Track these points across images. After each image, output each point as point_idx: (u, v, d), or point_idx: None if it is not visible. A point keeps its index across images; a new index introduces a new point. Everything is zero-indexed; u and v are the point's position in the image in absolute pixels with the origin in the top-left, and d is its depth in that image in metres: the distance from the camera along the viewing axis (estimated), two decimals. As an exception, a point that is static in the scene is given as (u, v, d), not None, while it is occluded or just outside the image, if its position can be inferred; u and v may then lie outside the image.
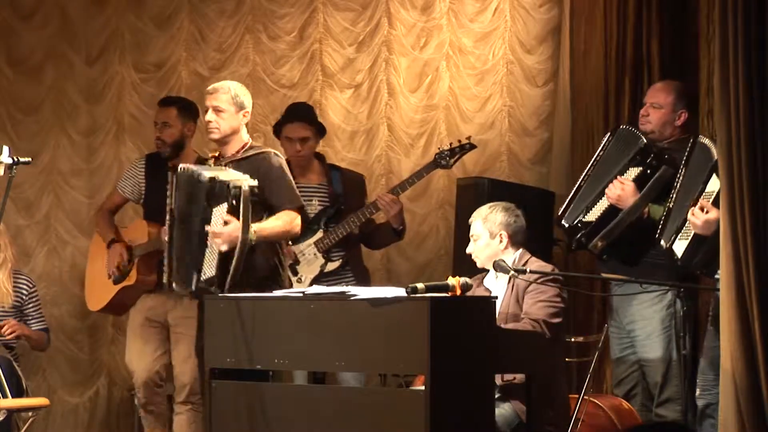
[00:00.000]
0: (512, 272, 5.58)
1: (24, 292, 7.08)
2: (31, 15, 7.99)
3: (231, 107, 5.94)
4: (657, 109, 6.21)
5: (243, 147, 6.00)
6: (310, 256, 6.72)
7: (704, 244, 5.49)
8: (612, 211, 5.96)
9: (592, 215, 6.03)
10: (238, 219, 5.62)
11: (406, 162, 7.75)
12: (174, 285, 5.87)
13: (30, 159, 5.60)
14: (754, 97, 4.89)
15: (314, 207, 6.80)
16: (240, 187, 5.63)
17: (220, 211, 5.69)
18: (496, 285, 5.74)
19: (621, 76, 6.99)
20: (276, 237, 5.90)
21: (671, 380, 6.03)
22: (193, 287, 5.75)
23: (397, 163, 7.75)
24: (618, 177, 5.97)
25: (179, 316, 6.85)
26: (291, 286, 6.52)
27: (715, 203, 5.38)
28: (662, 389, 6.09)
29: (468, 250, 5.81)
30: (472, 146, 6.78)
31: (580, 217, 6.05)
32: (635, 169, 5.96)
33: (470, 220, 5.83)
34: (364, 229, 6.83)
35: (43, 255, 7.93)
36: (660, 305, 6.10)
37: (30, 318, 7.09)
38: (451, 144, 6.82)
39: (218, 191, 5.70)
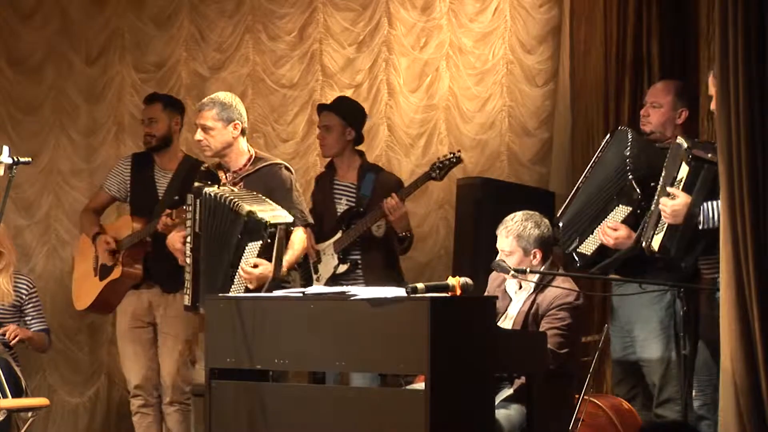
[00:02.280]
0: (512, 272, 5.57)
1: (23, 292, 7.08)
2: (31, 15, 8.01)
3: (218, 123, 5.94)
4: (657, 108, 6.18)
5: (249, 160, 6.01)
6: (328, 256, 6.73)
7: (677, 234, 5.49)
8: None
9: (587, 248, 6.01)
10: (270, 258, 5.60)
11: (406, 162, 7.74)
12: (199, 309, 5.87)
13: (30, 159, 5.61)
14: (754, 97, 4.89)
15: (342, 206, 6.81)
16: (276, 226, 5.61)
17: (252, 249, 5.70)
18: (518, 294, 5.71)
19: (621, 76, 6.98)
20: (297, 262, 6.02)
21: (670, 380, 6.03)
22: None
23: (397, 163, 7.75)
24: (608, 223, 5.93)
25: (164, 315, 6.88)
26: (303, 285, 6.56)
27: (685, 189, 5.42)
28: (662, 389, 6.08)
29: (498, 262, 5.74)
30: (459, 160, 6.71)
31: (575, 245, 6.03)
32: (624, 207, 5.93)
33: (498, 232, 5.73)
34: (387, 233, 6.78)
35: (43, 255, 7.94)
36: (659, 305, 6.09)
37: (30, 318, 7.09)
38: (445, 156, 6.74)
39: (254, 228, 5.69)
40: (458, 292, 5.07)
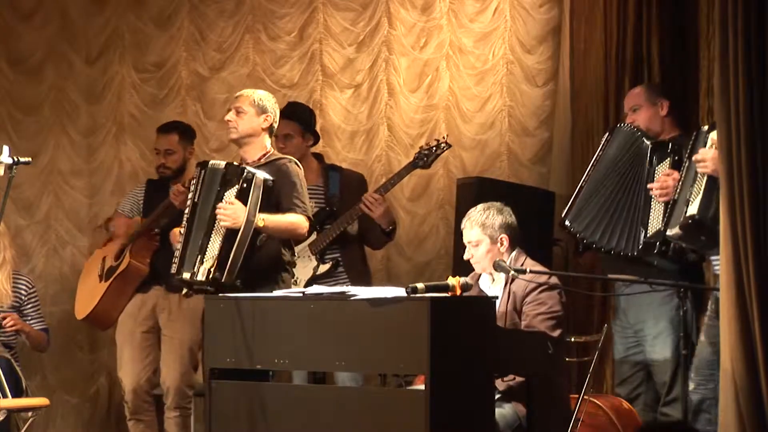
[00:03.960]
0: (512, 272, 5.56)
1: (23, 292, 7.08)
2: (31, 15, 8.00)
3: (251, 108, 6.00)
4: (638, 110, 6.27)
5: (265, 154, 6.04)
6: (304, 258, 6.73)
7: (716, 191, 5.48)
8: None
9: (653, 226, 5.98)
10: (245, 204, 5.70)
11: (406, 162, 7.73)
12: (183, 274, 5.84)
13: (30, 159, 5.60)
14: (754, 97, 4.89)
15: (311, 209, 6.81)
16: (253, 174, 5.77)
17: (229, 196, 5.79)
18: (492, 289, 5.70)
19: (621, 76, 6.98)
20: (282, 231, 5.92)
21: (679, 380, 6.03)
22: (195, 269, 5.74)
23: (397, 163, 7.74)
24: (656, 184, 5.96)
25: (169, 318, 6.88)
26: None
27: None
28: (670, 389, 6.10)
29: (466, 257, 5.72)
30: (448, 145, 6.76)
31: (640, 237, 6.01)
32: (664, 162, 5.94)
33: (463, 226, 5.73)
34: (361, 229, 6.82)
35: (43, 255, 7.93)
36: (669, 305, 6.09)
37: (29, 318, 7.09)
38: (428, 144, 6.81)
39: (230, 176, 5.82)
40: (458, 292, 5.08)
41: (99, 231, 7.32)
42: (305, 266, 6.73)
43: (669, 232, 5.64)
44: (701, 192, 5.51)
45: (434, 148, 6.75)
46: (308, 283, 6.64)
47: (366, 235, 6.86)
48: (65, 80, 8.00)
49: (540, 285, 5.53)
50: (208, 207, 5.84)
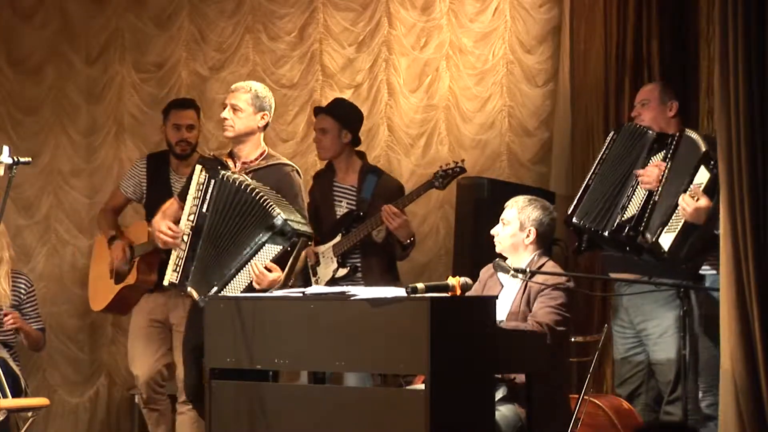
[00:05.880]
0: (511, 272, 5.56)
1: (22, 291, 7.07)
2: (31, 15, 8.00)
3: (249, 107, 5.90)
4: (646, 105, 6.27)
5: (261, 155, 5.97)
6: (327, 260, 6.72)
7: (692, 236, 5.50)
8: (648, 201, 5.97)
9: (630, 211, 6.01)
10: (283, 267, 5.64)
11: (406, 162, 7.75)
12: (186, 288, 5.82)
13: (30, 159, 5.59)
14: (754, 97, 4.90)
15: (343, 209, 6.79)
16: (300, 237, 5.65)
17: (269, 251, 5.68)
18: (510, 280, 5.70)
19: (621, 76, 7.00)
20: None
21: (681, 379, 6.03)
22: (207, 297, 5.61)
23: (397, 163, 7.75)
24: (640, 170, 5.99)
25: (181, 316, 6.85)
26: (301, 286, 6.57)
27: (706, 192, 5.45)
28: (674, 387, 6.09)
29: (493, 231, 5.73)
30: (462, 170, 6.72)
31: (616, 219, 6.02)
32: (658, 154, 5.97)
33: (506, 204, 5.76)
34: (387, 238, 6.76)
35: (43, 255, 7.93)
36: (674, 304, 6.09)
37: (27, 318, 7.07)
38: (447, 164, 6.75)
39: (280, 232, 5.67)
40: (458, 292, 5.07)
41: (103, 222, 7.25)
42: (327, 267, 6.73)
43: (647, 235, 5.67)
44: (678, 229, 5.55)
45: (450, 171, 6.68)
46: (327, 285, 6.64)
47: (389, 245, 6.80)
48: (65, 80, 8.00)
49: (557, 284, 5.54)
50: (236, 235, 5.71)
